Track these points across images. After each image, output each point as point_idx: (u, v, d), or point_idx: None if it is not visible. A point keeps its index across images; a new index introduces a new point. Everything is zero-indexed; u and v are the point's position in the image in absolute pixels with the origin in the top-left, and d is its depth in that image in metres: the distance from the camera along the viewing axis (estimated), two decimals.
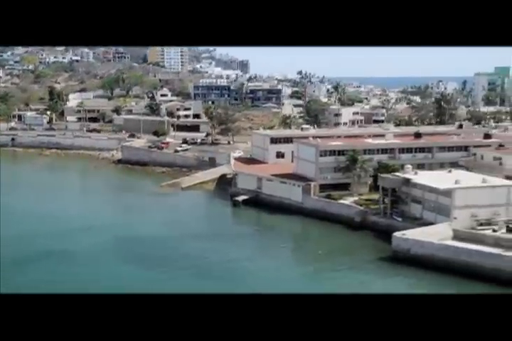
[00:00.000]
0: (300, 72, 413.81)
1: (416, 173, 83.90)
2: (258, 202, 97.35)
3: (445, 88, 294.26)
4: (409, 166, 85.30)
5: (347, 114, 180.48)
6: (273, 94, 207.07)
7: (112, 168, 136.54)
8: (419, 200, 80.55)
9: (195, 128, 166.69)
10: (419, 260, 67.33)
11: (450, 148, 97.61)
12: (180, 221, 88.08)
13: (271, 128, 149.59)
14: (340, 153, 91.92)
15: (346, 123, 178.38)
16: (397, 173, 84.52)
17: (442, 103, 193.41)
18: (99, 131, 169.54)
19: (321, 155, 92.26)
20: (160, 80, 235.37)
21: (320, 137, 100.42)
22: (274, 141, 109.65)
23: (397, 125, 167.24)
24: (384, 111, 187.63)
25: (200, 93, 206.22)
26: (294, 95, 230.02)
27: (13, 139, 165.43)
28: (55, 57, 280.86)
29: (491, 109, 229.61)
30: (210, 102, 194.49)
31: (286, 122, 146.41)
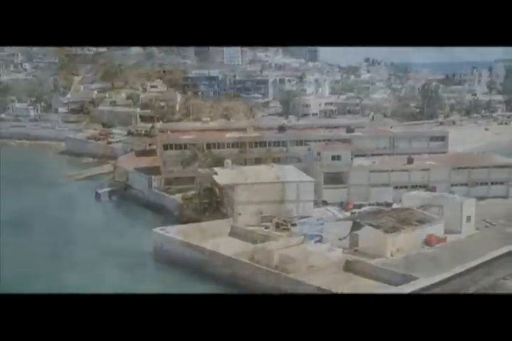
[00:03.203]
0: (367, 60, 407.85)
1: (233, 168, 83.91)
2: (122, 194, 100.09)
3: (480, 75, 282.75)
4: (228, 160, 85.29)
5: (316, 104, 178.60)
6: (261, 85, 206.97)
7: (51, 158, 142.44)
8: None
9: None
10: (168, 255, 68.37)
11: (308, 142, 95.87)
12: (24, 210, 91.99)
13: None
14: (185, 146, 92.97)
15: (316, 114, 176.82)
16: (216, 168, 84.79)
17: (424, 93, 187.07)
18: (74, 123, 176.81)
19: (166, 149, 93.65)
20: (164, 71, 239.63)
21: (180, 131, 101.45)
22: None
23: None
24: (358, 101, 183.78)
25: (190, 84, 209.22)
26: None
27: None
28: (81, 49, 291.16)
29: (499, 97, 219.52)
30: (199, 93, 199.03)
31: (225, 114, 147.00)
